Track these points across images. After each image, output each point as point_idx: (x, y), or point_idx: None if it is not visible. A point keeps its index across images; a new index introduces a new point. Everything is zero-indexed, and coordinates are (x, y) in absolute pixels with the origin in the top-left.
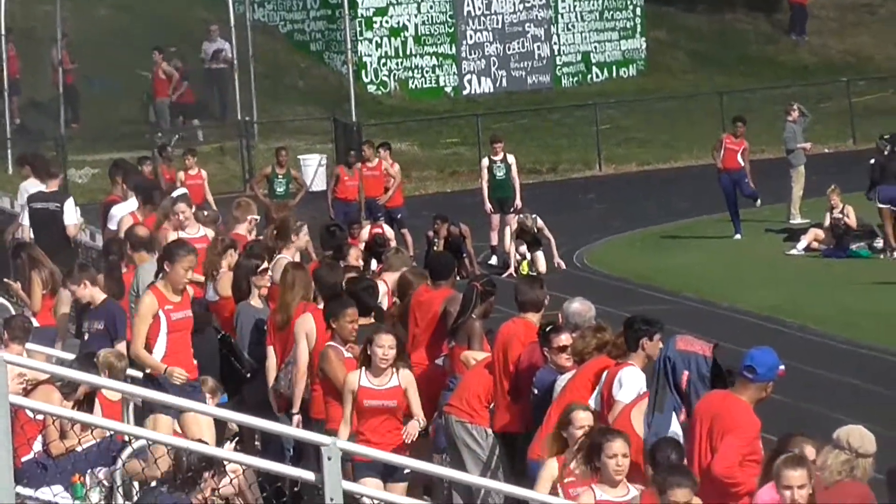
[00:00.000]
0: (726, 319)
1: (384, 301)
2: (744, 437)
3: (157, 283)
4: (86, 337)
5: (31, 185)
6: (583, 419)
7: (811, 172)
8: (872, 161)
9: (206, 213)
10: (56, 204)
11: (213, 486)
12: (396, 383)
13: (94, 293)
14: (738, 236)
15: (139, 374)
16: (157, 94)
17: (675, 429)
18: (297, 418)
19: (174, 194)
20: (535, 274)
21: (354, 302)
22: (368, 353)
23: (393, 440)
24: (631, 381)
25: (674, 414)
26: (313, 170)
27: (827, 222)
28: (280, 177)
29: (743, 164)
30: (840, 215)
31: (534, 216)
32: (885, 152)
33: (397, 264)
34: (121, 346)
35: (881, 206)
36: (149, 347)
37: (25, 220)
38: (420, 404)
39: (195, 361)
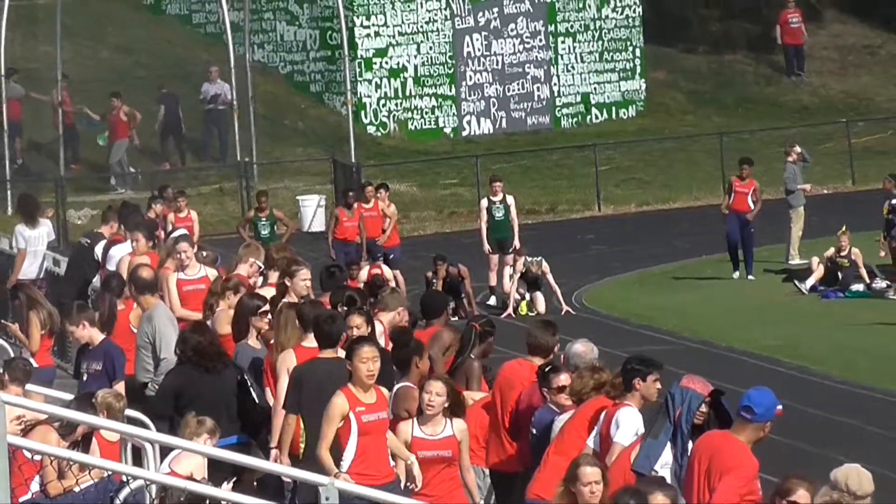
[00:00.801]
0: (725, 359)
1: (381, 340)
2: (742, 477)
3: (347, 384)
4: (84, 377)
5: (23, 228)
6: (589, 475)
7: (810, 213)
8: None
9: (205, 253)
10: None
11: None
12: (451, 433)
13: (92, 334)
14: (736, 274)
15: (138, 415)
16: (116, 137)
17: (667, 458)
18: (274, 453)
19: (175, 234)
20: (534, 314)
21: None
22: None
23: (450, 490)
24: (628, 422)
25: (668, 443)
26: (312, 210)
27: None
28: (263, 220)
29: (754, 207)
30: (844, 257)
31: (539, 259)
32: None
33: (393, 304)
34: (119, 387)
35: None
36: (339, 449)
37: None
38: (468, 457)
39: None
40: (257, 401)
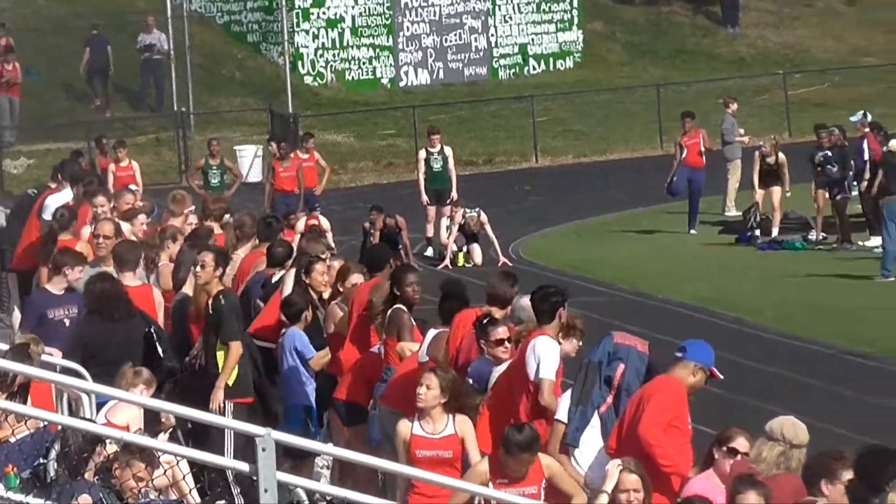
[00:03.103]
0: (661, 311)
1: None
2: (665, 399)
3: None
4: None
5: None
6: (629, 483)
7: (746, 164)
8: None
9: (141, 203)
10: None
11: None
12: (452, 431)
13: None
14: (693, 231)
15: (75, 366)
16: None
17: (595, 422)
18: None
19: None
20: (471, 266)
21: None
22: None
23: (449, 493)
24: (549, 353)
25: (596, 411)
26: (249, 161)
27: (758, 166)
28: (214, 168)
29: (704, 159)
30: (772, 162)
31: (477, 211)
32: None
33: (315, 250)
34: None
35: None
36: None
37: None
38: (478, 453)
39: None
40: (162, 356)
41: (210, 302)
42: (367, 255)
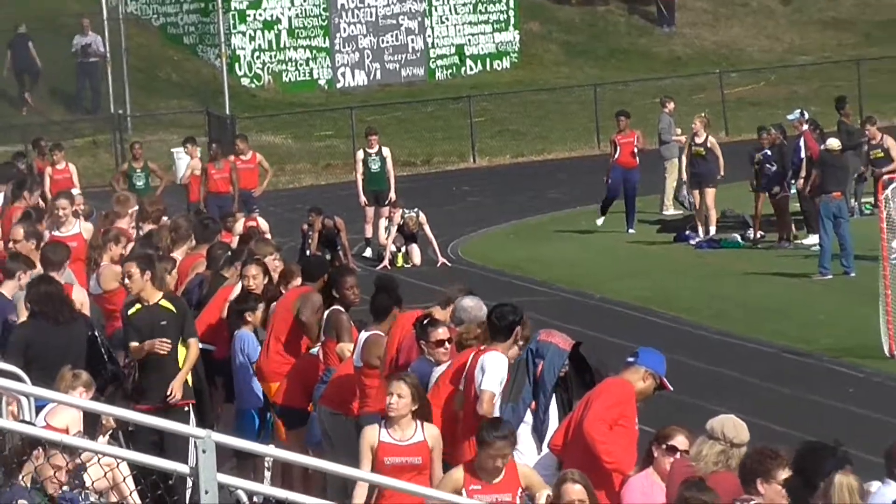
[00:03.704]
0: (599, 310)
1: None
2: (611, 398)
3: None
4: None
5: None
6: (573, 493)
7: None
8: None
9: (81, 207)
10: None
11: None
12: (421, 438)
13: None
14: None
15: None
16: None
17: (528, 419)
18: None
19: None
20: (409, 266)
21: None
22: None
23: (417, 501)
24: (495, 368)
25: (528, 408)
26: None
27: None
28: (138, 171)
29: (637, 159)
30: (700, 145)
31: (416, 212)
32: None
33: (264, 251)
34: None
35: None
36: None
37: None
38: (441, 467)
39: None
40: (107, 359)
41: (162, 304)
42: (304, 263)
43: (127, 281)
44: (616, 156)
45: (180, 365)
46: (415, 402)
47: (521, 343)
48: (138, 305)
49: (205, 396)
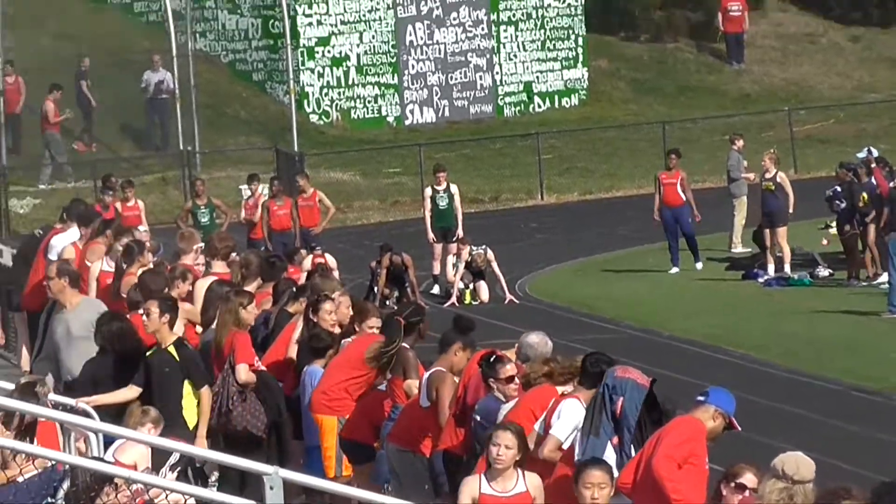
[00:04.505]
0: (667, 348)
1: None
2: (680, 436)
3: None
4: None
5: None
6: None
7: (752, 202)
8: None
9: (148, 243)
10: None
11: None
12: (524, 489)
13: None
14: (675, 270)
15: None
16: (47, 128)
17: (609, 454)
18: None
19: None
20: (477, 303)
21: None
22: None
23: None
24: (569, 416)
25: (609, 442)
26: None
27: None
28: (202, 208)
29: (685, 197)
30: (769, 180)
31: (484, 248)
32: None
33: (328, 287)
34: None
35: None
36: None
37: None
38: None
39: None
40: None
41: (169, 350)
42: (386, 322)
43: (145, 318)
44: (660, 196)
45: (185, 412)
46: (519, 451)
47: None
48: (156, 348)
49: (285, 431)
